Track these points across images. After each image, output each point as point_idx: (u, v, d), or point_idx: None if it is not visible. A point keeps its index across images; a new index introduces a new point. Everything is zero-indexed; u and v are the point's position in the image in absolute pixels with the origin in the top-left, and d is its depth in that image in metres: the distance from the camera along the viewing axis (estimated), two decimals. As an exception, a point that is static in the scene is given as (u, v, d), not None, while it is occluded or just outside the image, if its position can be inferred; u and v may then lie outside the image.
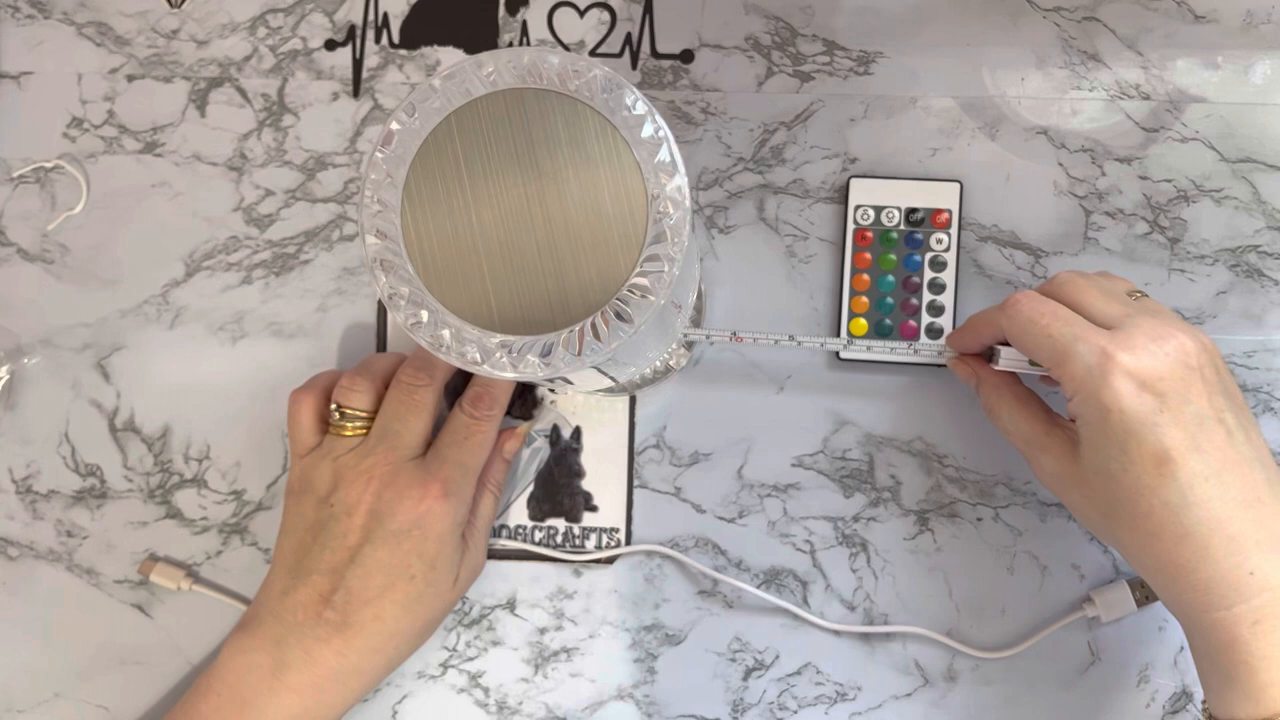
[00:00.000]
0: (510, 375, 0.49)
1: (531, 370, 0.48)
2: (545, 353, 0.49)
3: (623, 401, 0.71)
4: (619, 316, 0.48)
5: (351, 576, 0.62)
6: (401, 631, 0.63)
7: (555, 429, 0.72)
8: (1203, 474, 0.54)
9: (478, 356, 0.49)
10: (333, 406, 0.65)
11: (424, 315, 0.49)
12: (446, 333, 0.49)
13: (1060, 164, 0.71)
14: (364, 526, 0.62)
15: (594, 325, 0.48)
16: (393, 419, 0.64)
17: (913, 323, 0.70)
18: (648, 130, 0.49)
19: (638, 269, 0.49)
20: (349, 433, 0.65)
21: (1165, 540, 0.55)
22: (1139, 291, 0.62)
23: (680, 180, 0.49)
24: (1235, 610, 0.54)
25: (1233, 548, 0.54)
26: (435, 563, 0.63)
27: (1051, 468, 0.61)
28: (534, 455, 0.72)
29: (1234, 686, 0.55)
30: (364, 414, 0.65)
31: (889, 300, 0.70)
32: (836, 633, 0.70)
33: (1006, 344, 0.62)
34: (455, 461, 0.64)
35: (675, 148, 0.49)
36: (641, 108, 0.50)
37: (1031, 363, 0.61)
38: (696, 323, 0.70)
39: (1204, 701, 0.58)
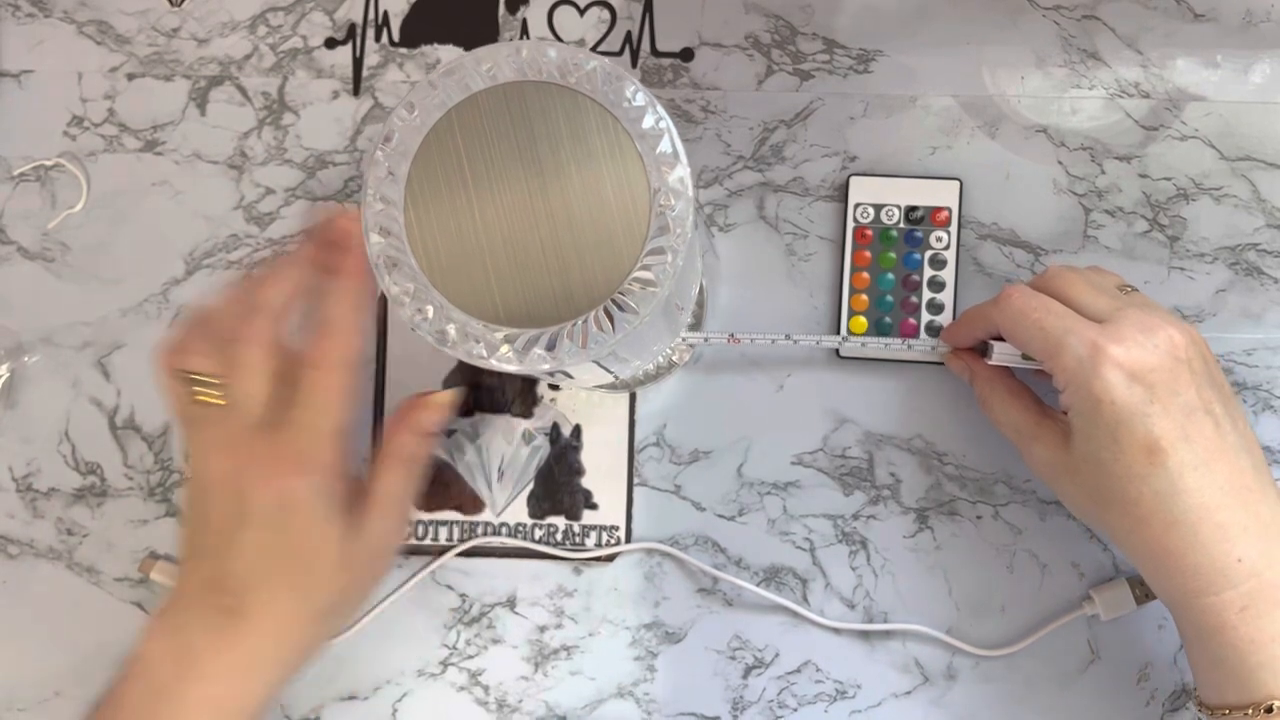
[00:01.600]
0: (515, 369, 0.49)
1: (536, 363, 0.48)
2: (550, 345, 0.49)
3: (623, 399, 0.72)
4: (623, 308, 0.48)
5: (231, 560, 0.56)
6: (301, 615, 0.58)
7: (555, 426, 0.72)
8: (1191, 463, 0.55)
9: (483, 351, 0.49)
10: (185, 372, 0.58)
11: (429, 311, 0.49)
12: (451, 328, 0.49)
13: (1060, 162, 0.72)
14: (231, 506, 0.56)
15: (598, 318, 0.49)
16: (235, 385, 0.57)
17: (912, 321, 0.70)
18: (649, 122, 0.49)
19: (641, 261, 0.49)
20: (205, 398, 0.57)
21: (1155, 527, 0.56)
22: (1129, 286, 0.63)
23: (682, 171, 0.49)
24: (1224, 596, 0.55)
25: (1221, 534, 0.55)
26: (309, 542, 0.57)
27: (1043, 456, 0.62)
28: (534, 453, 0.72)
29: (1223, 671, 0.56)
30: (213, 378, 0.57)
31: (889, 298, 0.70)
32: (836, 631, 0.70)
33: (1000, 338, 0.63)
34: (303, 425, 0.57)
35: (677, 139, 0.49)
36: (642, 99, 0.50)
37: (1024, 356, 0.62)
38: (699, 318, 0.70)
39: (1195, 689, 0.58)
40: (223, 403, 0.57)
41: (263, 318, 0.57)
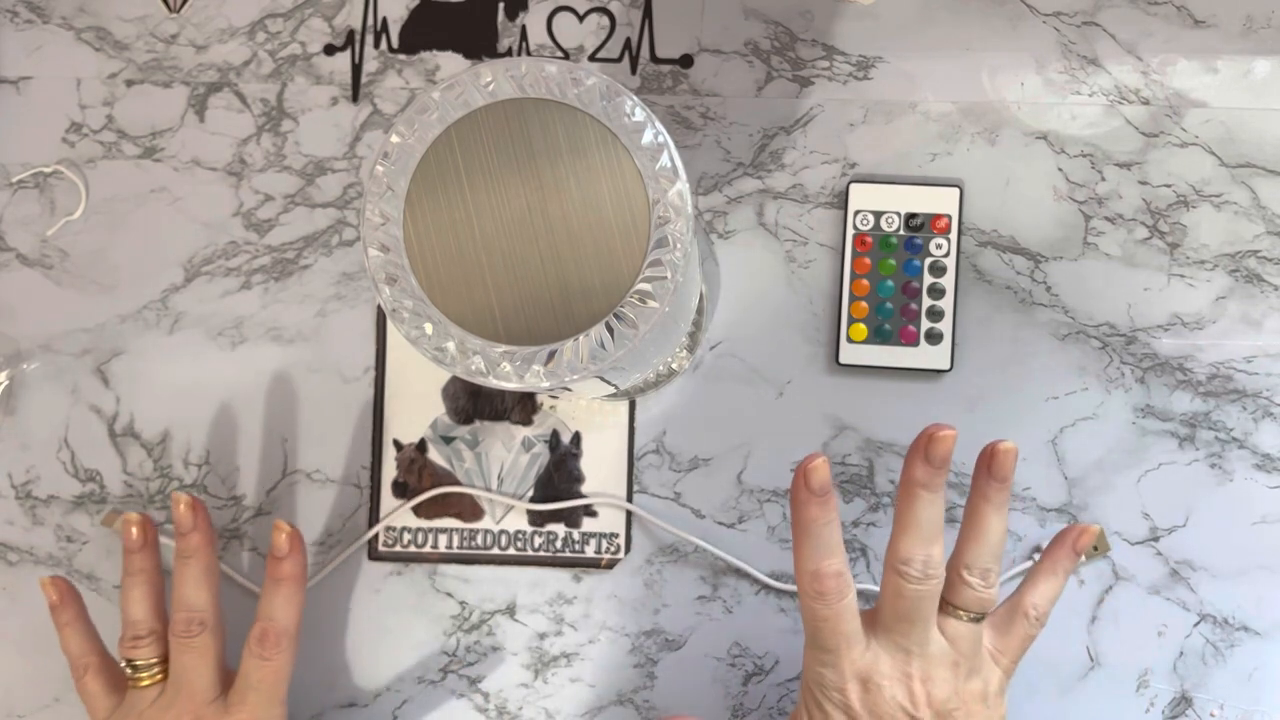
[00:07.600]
0: (514, 386, 0.49)
1: (536, 380, 0.48)
2: (549, 361, 0.49)
3: (622, 406, 0.72)
4: (623, 323, 0.48)
5: None
6: None
7: (555, 434, 0.72)
8: None
9: (483, 367, 0.49)
10: (123, 663, 0.65)
11: (428, 328, 0.49)
12: (451, 344, 0.49)
13: (1060, 169, 0.71)
14: None
15: (598, 333, 0.49)
16: (183, 670, 0.64)
17: (912, 328, 0.70)
18: (648, 137, 0.49)
19: (641, 276, 0.49)
20: (146, 682, 0.65)
21: None
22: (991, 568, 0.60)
23: (681, 186, 0.49)
24: None
25: None
26: None
27: None
28: (533, 460, 0.72)
29: None
30: (156, 661, 0.65)
31: (889, 305, 0.70)
32: (836, 638, 0.70)
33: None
34: (255, 702, 0.64)
35: (676, 154, 0.49)
36: (640, 114, 0.50)
37: None
38: (699, 326, 0.70)
39: None
40: (161, 680, 0.65)
41: (210, 604, 0.65)
